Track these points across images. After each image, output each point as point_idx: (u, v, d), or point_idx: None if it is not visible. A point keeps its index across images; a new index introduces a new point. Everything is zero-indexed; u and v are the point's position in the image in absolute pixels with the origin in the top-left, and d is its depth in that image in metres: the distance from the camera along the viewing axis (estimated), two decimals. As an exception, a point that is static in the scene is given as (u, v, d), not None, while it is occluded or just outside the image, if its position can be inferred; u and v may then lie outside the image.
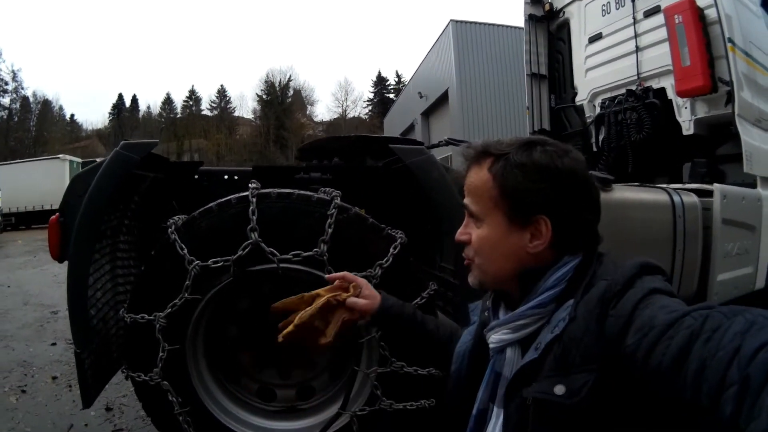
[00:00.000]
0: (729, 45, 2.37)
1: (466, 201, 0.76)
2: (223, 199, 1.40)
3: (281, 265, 1.36)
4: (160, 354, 1.38)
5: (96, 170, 1.47)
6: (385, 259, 1.37)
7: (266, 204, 1.38)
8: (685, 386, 0.49)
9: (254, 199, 1.36)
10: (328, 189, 1.43)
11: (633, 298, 0.60)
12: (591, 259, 0.71)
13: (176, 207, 1.78)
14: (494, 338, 0.74)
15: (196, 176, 1.87)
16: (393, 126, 26.75)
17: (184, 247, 1.36)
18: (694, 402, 0.48)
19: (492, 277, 0.75)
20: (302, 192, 1.42)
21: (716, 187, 2.08)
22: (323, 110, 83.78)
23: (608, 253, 0.75)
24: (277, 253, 1.35)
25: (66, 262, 1.47)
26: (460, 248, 0.80)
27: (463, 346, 0.87)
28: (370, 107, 48.97)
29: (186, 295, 1.36)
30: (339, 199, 1.39)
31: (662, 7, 2.64)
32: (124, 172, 1.45)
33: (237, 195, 1.39)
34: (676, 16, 2.47)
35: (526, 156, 0.70)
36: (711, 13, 2.44)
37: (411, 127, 22.25)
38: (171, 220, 1.40)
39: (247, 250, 1.35)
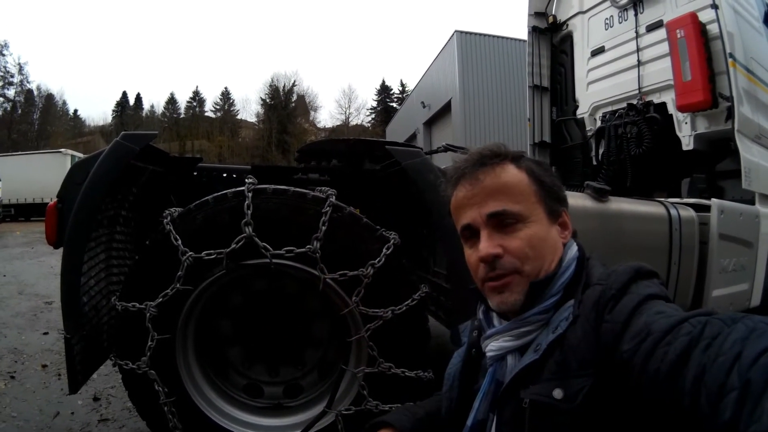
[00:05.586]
0: (730, 60, 2.37)
1: (497, 208, 0.70)
2: (220, 193, 1.41)
3: (274, 260, 1.37)
4: (149, 343, 1.38)
5: (96, 159, 1.48)
6: (377, 259, 1.38)
7: (262, 199, 1.38)
8: (684, 392, 0.49)
9: (250, 194, 1.36)
10: (324, 188, 1.44)
11: (629, 304, 0.60)
12: (584, 261, 0.73)
13: (174, 201, 1.79)
14: (494, 346, 0.73)
15: (195, 173, 1.89)
16: (395, 135, 26.65)
17: (178, 237, 1.36)
18: (693, 408, 0.48)
19: (544, 274, 0.70)
20: (298, 189, 1.42)
21: (714, 202, 2.07)
22: (326, 117, 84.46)
23: (593, 255, 0.76)
24: (270, 249, 1.36)
25: (61, 249, 1.48)
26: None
27: (453, 367, 0.86)
28: (373, 115, 49.17)
29: (178, 285, 1.37)
30: (334, 197, 1.39)
31: (665, 22, 2.66)
32: (124, 161, 1.46)
33: (233, 189, 1.40)
34: (678, 31, 2.48)
35: (530, 157, 0.78)
36: (713, 29, 2.45)
37: (413, 137, 22.28)
38: (167, 212, 1.41)
39: (240, 243, 1.35)
